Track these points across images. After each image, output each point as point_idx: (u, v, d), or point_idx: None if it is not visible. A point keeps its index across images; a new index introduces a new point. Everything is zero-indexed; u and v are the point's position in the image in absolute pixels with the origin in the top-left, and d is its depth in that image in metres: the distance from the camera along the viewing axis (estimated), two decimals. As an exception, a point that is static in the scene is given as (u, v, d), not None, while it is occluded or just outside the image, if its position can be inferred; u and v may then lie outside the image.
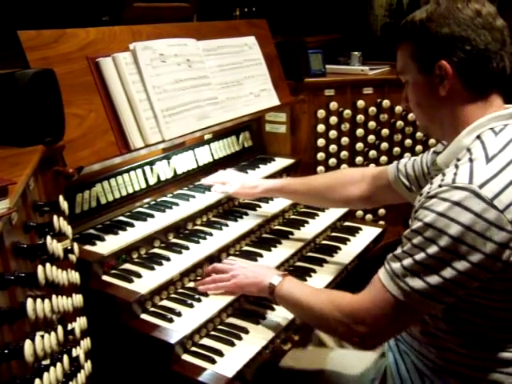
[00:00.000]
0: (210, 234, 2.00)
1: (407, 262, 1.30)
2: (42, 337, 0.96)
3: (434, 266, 1.26)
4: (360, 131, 2.87)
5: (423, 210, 1.29)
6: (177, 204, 2.07)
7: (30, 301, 0.94)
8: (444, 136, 1.51)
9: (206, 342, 1.66)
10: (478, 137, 1.34)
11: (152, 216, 1.96)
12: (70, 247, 1.40)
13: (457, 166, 1.30)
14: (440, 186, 1.27)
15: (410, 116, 2.85)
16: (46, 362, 1.05)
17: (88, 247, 1.73)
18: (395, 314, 1.33)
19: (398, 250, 1.35)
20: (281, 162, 2.64)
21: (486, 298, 1.34)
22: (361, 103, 2.84)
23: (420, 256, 1.27)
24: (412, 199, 1.79)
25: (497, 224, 1.21)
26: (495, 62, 1.35)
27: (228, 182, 2.19)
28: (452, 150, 1.40)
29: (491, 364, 1.39)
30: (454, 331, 1.41)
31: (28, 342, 0.89)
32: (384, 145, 2.91)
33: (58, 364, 1.05)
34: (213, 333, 1.70)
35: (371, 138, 2.89)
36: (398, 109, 2.85)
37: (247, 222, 2.14)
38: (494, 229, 1.21)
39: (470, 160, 1.29)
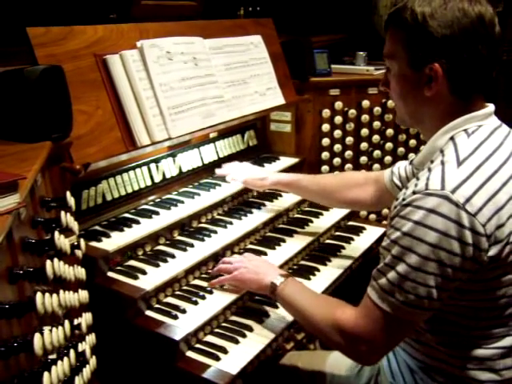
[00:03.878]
0: (215, 232, 2.00)
1: (392, 275, 1.30)
2: (50, 331, 0.97)
3: (419, 278, 1.26)
4: (365, 131, 2.88)
5: (400, 219, 1.29)
6: (182, 201, 2.08)
7: (39, 295, 0.95)
8: (424, 133, 1.49)
9: (210, 339, 1.67)
10: (452, 138, 1.35)
11: (157, 213, 1.96)
12: (76, 243, 1.41)
13: (429, 170, 1.31)
14: (414, 192, 1.28)
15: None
16: (53, 356, 1.06)
17: (93, 243, 1.74)
18: (390, 329, 1.34)
19: (381, 264, 1.34)
20: (285, 161, 2.65)
21: (468, 299, 1.34)
22: (366, 103, 2.84)
23: (402, 268, 1.27)
24: None
25: (471, 228, 1.22)
26: (486, 71, 1.34)
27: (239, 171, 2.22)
28: (427, 150, 1.42)
29: (472, 361, 1.40)
30: (437, 332, 1.41)
31: (37, 336, 0.89)
32: (388, 145, 2.91)
33: (65, 358, 1.06)
34: (217, 330, 1.71)
35: (376, 137, 2.89)
36: (403, 109, 2.84)
37: (252, 221, 2.14)
38: (468, 232, 1.22)
39: (442, 163, 1.30)
